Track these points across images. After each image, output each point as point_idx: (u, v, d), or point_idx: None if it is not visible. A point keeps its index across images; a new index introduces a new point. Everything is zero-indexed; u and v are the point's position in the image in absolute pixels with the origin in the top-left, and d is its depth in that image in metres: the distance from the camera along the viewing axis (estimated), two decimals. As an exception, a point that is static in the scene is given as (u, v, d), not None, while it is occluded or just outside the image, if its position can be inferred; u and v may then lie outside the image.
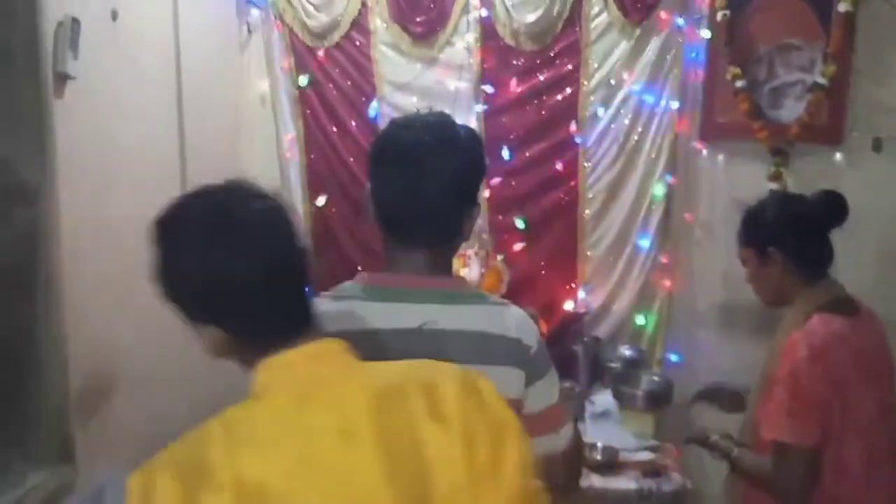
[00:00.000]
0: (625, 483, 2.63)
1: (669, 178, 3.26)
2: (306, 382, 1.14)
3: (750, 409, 2.04)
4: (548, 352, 1.51)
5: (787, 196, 2.05)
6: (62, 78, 2.22)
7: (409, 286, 1.45)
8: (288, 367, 1.16)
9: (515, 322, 1.47)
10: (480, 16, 3.30)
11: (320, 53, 3.43)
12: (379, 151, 1.47)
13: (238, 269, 1.12)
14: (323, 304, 1.48)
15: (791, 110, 3.14)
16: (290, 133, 3.51)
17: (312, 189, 3.54)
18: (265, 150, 3.54)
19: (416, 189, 1.41)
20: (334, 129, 3.47)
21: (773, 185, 3.06)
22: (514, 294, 3.21)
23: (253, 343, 1.18)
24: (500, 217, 3.41)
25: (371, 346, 1.38)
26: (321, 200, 3.52)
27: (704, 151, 3.27)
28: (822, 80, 3.03)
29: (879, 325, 1.99)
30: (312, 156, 3.52)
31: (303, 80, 3.46)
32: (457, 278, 1.58)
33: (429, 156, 1.41)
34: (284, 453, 1.06)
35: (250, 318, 1.17)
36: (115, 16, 2.48)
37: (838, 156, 3.12)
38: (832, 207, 1.96)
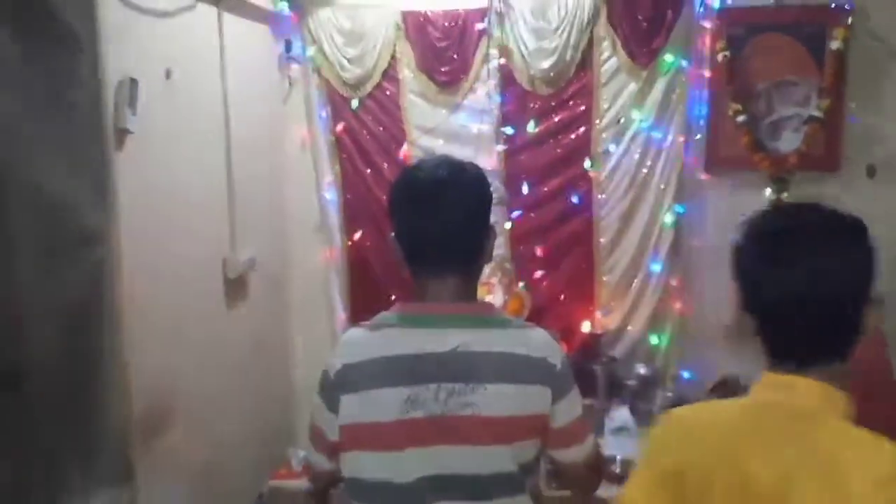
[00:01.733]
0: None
1: (678, 208, 3.26)
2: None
3: None
4: (570, 369, 1.53)
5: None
6: (122, 132, 2.28)
7: (441, 312, 1.48)
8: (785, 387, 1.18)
9: (541, 342, 1.50)
10: (500, 64, 3.33)
11: (354, 102, 3.47)
12: (398, 194, 1.53)
13: None
14: (361, 333, 1.52)
15: (789, 141, 3.13)
16: (329, 176, 3.55)
17: (349, 225, 3.56)
18: (306, 192, 3.58)
19: (436, 220, 1.46)
20: (368, 171, 3.50)
21: (775, 212, 3.03)
22: (536, 318, 3.21)
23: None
24: (522, 247, 3.42)
25: (409, 369, 1.43)
26: (357, 235, 3.54)
27: (710, 182, 3.27)
28: (817, 113, 3.04)
29: (882, 336, 1.93)
30: (349, 195, 3.55)
31: (338, 127, 3.50)
32: (484, 304, 1.63)
33: (443, 189, 1.46)
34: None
35: None
36: (168, 74, 2.55)
37: (835, 182, 3.10)
38: None
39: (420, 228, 1.47)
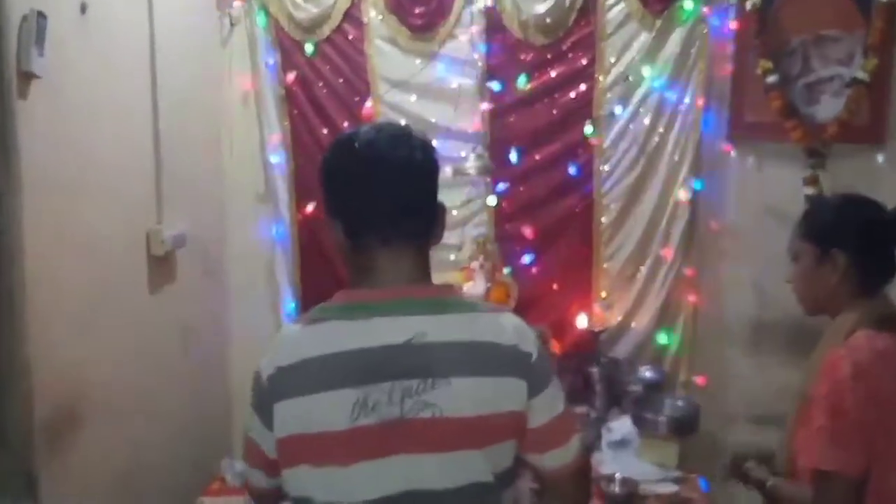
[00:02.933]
0: (646, 518, 2.64)
1: (695, 184, 3.27)
2: None
3: (786, 434, 2.03)
4: (549, 358, 1.56)
5: (864, 200, 2.03)
6: (27, 77, 2.23)
7: (392, 298, 1.49)
8: None
9: (512, 329, 1.51)
10: (485, 6, 3.32)
11: (309, 47, 3.44)
12: (334, 165, 1.54)
13: None
14: (297, 330, 1.54)
15: (828, 108, 3.16)
16: (276, 135, 3.52)
17: (300, 196, 3.55)
18: (248, 154, 3.56)
19: (384, 190, 1.48)
20: (325, 131, 3.48)
21: (809, 190, 3.07)
22: (523, 310, 3.18)
23: None
24: (508, 226, 3.43)
25: (356, 367, 1.43)
26: (309, 208, 3.53)
27: (732, 153, 3.29)
28: (862, 75, 3.05)
29: None
30: (300, 160, 3.54)
31: (290, 78, 3.48)
32: (443, 286, 1.63)
33: (390, 155, 1.48)
34: None
35: None
36: (83, 8, 2.50)
37: (880, 157, 3.14)
38: None
39: (365, 201, 1.48)
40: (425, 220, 1.53)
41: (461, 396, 1.42)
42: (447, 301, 1.53)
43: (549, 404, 1.52)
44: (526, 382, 1.47)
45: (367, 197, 1.48)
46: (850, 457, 1.77)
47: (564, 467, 1.56)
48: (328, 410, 1.42)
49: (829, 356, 1.84)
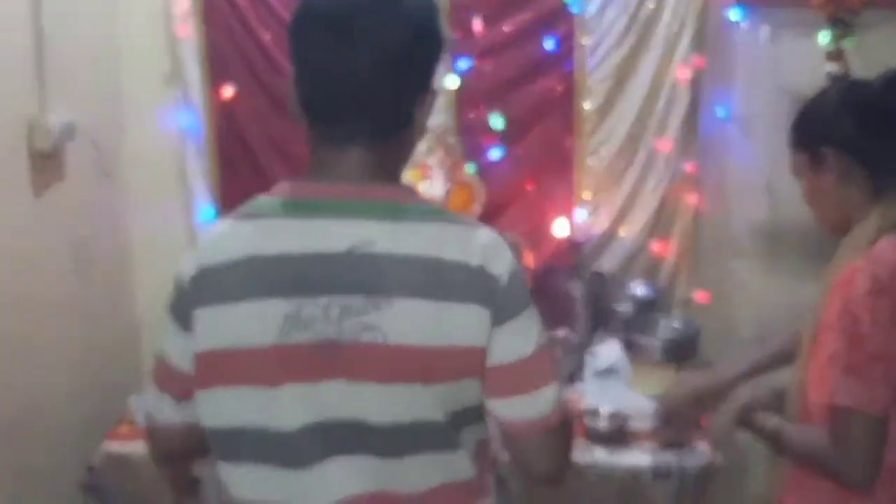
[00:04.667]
0: (637, 458, 2.72)
1: (696, 60, 3.31)
2: None
3: (797, 367, 1.98)
4: (525, 285, 1.52)
5: (859, 82, 1.99)
6: None
7: (338, 197, 1.48)
8: None
9: (481, 245, 1.48)
10: None
11: None
12: (298, 20, 1.50)
13: None
14: (227, 226, 1.53)
15: (856, -35, 3.18)
16: (184, 1, 3.47)
17: (215, 76, 3.53)
18: (150, 25, 3.51)
19: (346, 60, 1.44)
20: (244, -6, 3.45)
21: (832, 66, 3.11)
22: (491, 216, 3.27)
23: None
24: (471, 114, 3.45)
25: (289, 275, 1.43)
26: (227, 91, 3.52)
27: (742, 23, 3.32)
28: (898, -78, 3.08)
29: None
30: (213, 32, 3.50)
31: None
32: (403, 187, 1.58)
33: (361, 15, 1.44)
34: None
35: None
36: None
37: (918, 26, 3.18)
38: None
39: (323, 70, 1.46)
40: (394, 109, 1.49)
41: (409, 322, 1.41)
42: (405, 206, 1.50)
43: (516, 340, 1.49)
44: (489, 311, 1.45)
45: (319, 66, 1.46)
46: (871, 390, 1.74)
47: (530, 423, 1.53)
48: (255, 322, 1.43)
49: (846, 270, 1.82)
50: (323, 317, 1.42)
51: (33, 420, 2.88)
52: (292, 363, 1.42)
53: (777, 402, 2.06)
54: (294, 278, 1.43)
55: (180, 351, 1.52)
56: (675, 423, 2.54)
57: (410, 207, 1.51)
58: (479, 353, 1.45)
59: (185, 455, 1.72)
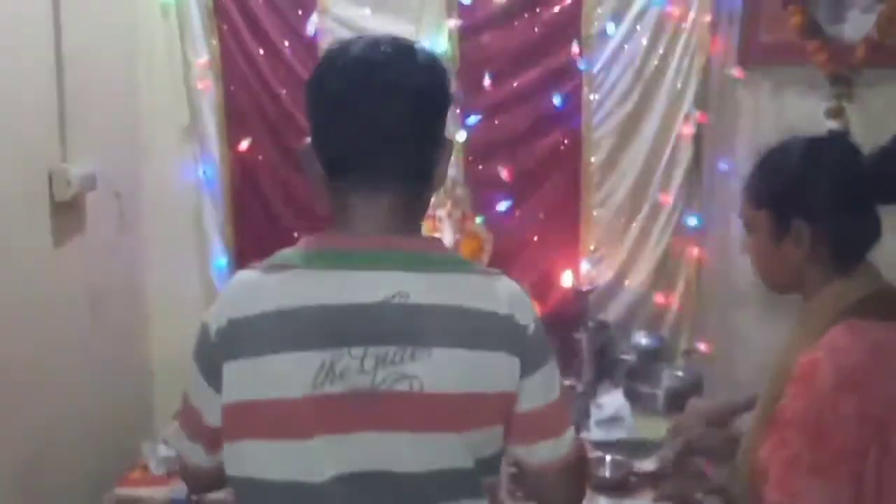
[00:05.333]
0: (640, 507, 2.71)
1: (699, 116, 3.33)
2: None
3: (746, 443, 1.86)
4: (546, 334, 1.55)
5: (833, 144, 1.84)
6: None
7: (369, 248, 1.49)
8: None
9: (508, 295, 1.51)
10: None
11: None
12: (317, 82, 1.53)
13: None
14: (255, 277, 1.53)
15: (857, 25, 3.19)
16: (203, 57, 3.52)
17: (232, 130, 3.56)
18: (170, 80, 3.55)
19: (368, 118, 1.47)
20: (261, 52, 3.49)
21: (833, 123, 3.12)
22: (498, 266, 3.23)
23: None
24: (481, 167, 3.47)
25: (323, 326, 1.43)
26: (244, 144, 3.55)
27: (744, 80, 3.34)
28: (897, -14, 3.09)
29: None
30: (232, 87, 3.54)
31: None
32: (431, 238, 1.65)
33: (381, 77, 1.47)
34: None
35: None
36: None
37: (916, 85, 3.18)
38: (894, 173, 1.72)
39: (345, 129, 1.48)
40: (417, 157, 1.51)
41: (444, 370, 1.42)
42: (434, 257, 1.53)
43: (544, 387, 1.53)
44: (519, 360, 1.48)
45: (344, 124, 1.48)
46: (838, 491, 1.60)
47: (555, 462, 1.58)
48: (288, 374, 1.42)
49: (804, 359, 1.67)
50: (358, 367, 1.42)
51: (46, 464, 2.87)
52: (326, 414, 1.42)
53: (727, 447, 1.96)
54: (327, 329, 1.43)
55: (208, 405, 1.53)
56: (680, 469, 2.46)
57: (440, 258, 1.54)
58: (510, 399, 1.48)
59: (212, 489, 1.76)
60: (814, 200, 1.75)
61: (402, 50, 1.52)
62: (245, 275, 1.55)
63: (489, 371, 1.46)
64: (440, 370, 1.42)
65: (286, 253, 1.54)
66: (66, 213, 2.99)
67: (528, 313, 1.52)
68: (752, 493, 1.75)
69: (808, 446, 1.62)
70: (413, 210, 1.55)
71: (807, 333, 1.74)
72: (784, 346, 1.81)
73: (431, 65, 1.54)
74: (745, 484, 1.80)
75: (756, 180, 1.87)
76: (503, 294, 1.51)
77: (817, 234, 1.75)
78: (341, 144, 1.50)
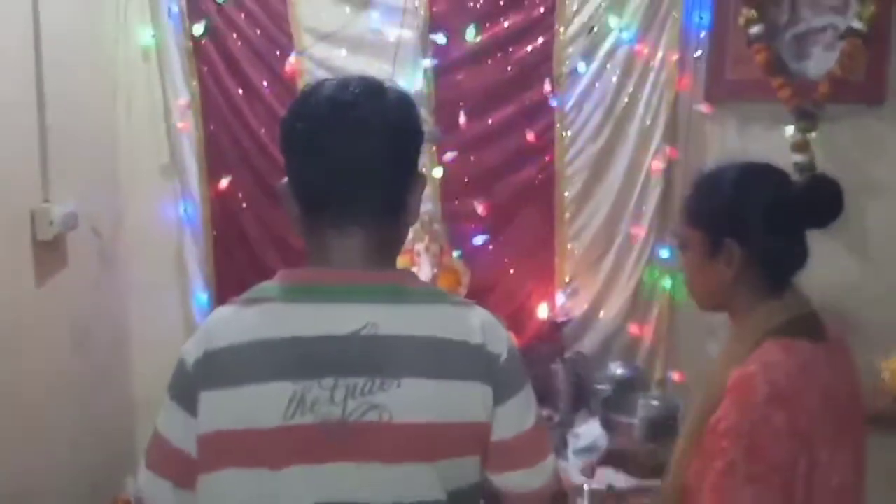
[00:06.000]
0: (619, 535, 2.70)
1: (669, 150, 3.36)
2: None
3: (674, 468, 1.83)
4: (521, 363, 1.55)
5: (762, 172, 1.85)
6: None
7: (342, 282, 1.49)
8: None
9: (480, 324, 1.51)
10: (427, -56, 3.37)
11: (221, -7, 3.46)
12: (291, 122, 1.54)
13: None
14: (231, 311, 1.53)
15: (820, 62, 3.25)
16: (183, 97, 3.53)
17: (212, 168, 3.57)
18: (150, 120, 3.56)
19: (341, 156, 1.48)
20: (240, 92, 3.51)
21: (798, 157, 3.16)
22: (476, 299, 3.24)
23: None
24: (457, 202, 3.49)
25: (295, 357, 1.43)
26: (224, 183, 3.55)
27: (712, 115, 3.38)
28: (858, 25, 3.15)
29: (851, 356, 1.86)
30: (212, 126, 3.56)
31: (198, 29, 3.48)
32: (403, 271, 1.64)
33: (353, 116, 1.48)
34: None
35: None
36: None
37: (878, 119, 3.24)
38: (824, 200, 1.77)
39: (319, 167, 1.50)
40: (389, 193, 1.52)
41: (414, 400, 1.42)
42: (406, 289, 1.53)
43: (518, 415, 1.51)
44: (492, 388, 1.47)
45: (316, 162, 1.49)
46: (770, 500, 1.63)
47: (532, 494, 1.56)
48: (260, 404, 1.42)
49: (738, 374, 1.68)
50: (328, 398, 1.41)
51: (30, 498, 2.84)
52: (298, 444, 1.41)
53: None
54: (299, 360, 1.43)
55: (182, 433, 1.50)
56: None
57: (411, 290, 1.54)
58: (483, 429, 1.47)
59: None
60: (745, 223, 1.78)
61: (372, 89, 1.53)
62: (223, 309, 1.56)
63: (460, 400, 1.46)
64: (410, 400, 1.42)
65: (263, 286, 1.54)
66: (49, 251, 2.98)
67: (501, 342, 1.52)
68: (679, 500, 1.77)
69: (742, 456, 1.62)
70: (386, 244, 1.55)
71: (737, 350, 1.76)
72: (716, 364, 1.82)
73: (400, 102, 1.55)
74: (673, 491, 1.80)
75: (692, 201, 1.90)
76: (475, 323, 1.51)
77: (747, 256, 1.78)
78: (314, 183, 1.51)
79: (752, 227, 1.77)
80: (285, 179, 1.54)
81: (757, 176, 1.84)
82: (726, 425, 1.65)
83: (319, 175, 1.50)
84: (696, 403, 1.82)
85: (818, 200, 1.77)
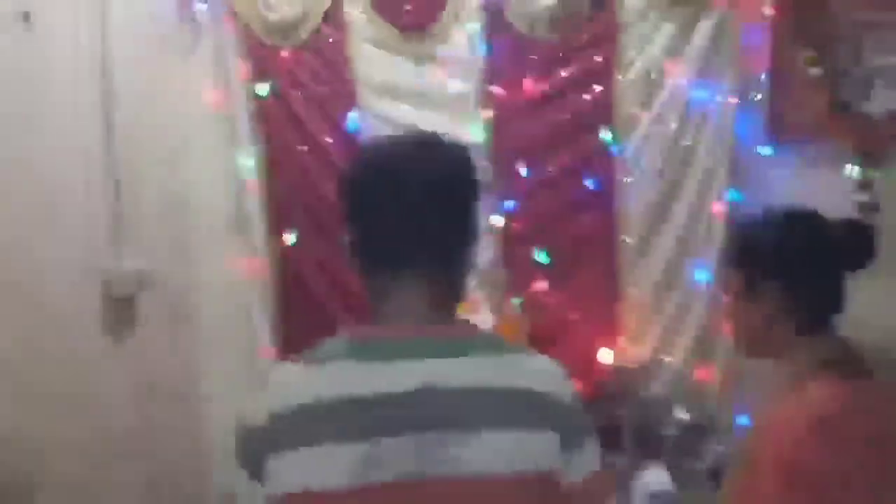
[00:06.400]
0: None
1: (731, 194, 3.32)
2: None
3: (726, 488, 1.89)
4: (584, 409, 1.54)
5: (805, 217, 1.91)
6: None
7: (405, 337, 1.49)
8: None
9: (545, 372, 1.52)
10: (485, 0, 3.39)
11: (284, 54, 3.51)
12: (352, 179, 1.55)
13: None
14: (295, 371, 1.52)
15: (883, 102, 3.18)
16: (250, 156, 3.58)
17: (279, 223, 3.61)
18: (218, 177, 3.62)
19: (400, 212, 1.49)
20: (304, 148, 3.55)
21: (862, 197, 3.10)
22: (537, 347, 3.22)
23: None
24: (517, 250, 3.47)
25: (362, 417, 1.42)
26: (290, 238, 3.58)
27: (774, 158, 3.32)
28: (921, 63, 3.09)
29: None
30: (278, 182, 3.60)
31: (263, 90, 3.54)
32: (465, 323, 1.61)
33: (412, 172, 1.49)
34: None
35: None
36: (27, 17, 2.55)
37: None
38: (857, 244, 1.86)
39: (372, 224, 1.51)
40: (446, 248, 1.53)
41: (489, 451, 1.41)
42: (469, 342, 1.53)
43: (585, 460, 1.51)
44: (559, 435, 1.46)
45: (375, 218, 1.50)
46: None
47: None
48: (332, 465, 1.41)
49: (779, 412, 1.75)
50: (402, 455, 1.40)
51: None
52: (371, 503, 1.41)
53: None
54: (369, 419, 1.42)
55: (250, 499, 1.49)
56: None
57: (473, 342, 1.53)
58: (554, 475, 1.45)
59: None
60: (781, 264, 1.85)
61: (426, 142, 1.55)
62: (285, 368, 1.56)
63: (533, 449, 1.44)
64: (485, 451, 1.41)
65: (327, 346, 1.53)
66: (119, 311, 3.03)
67: (565, 388, 1.52)
68: None
69: (781, 492, 1.65)
70: (445, 297, 1.55)
71: (777, 391, 1.82)
72: (761, 406, 1.89)
73: (456, 155, 1.57)
74: None
75: (735, 244, 2.03)
76: (540, 371, 1.51)
77: (783, 297, 1.83)
78: (372, 238, 1.52)
79: (789, 269, 1.84)
80: (346, 235, 1.56)
81: (795, 221, 1.91)
82: (765, 462, 1.68)
83: (377, 230, 1.51)
84: (745, 442, 1.86)
85: (854, 245, 1.85)
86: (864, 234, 1.87)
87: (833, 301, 1.87)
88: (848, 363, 1.81)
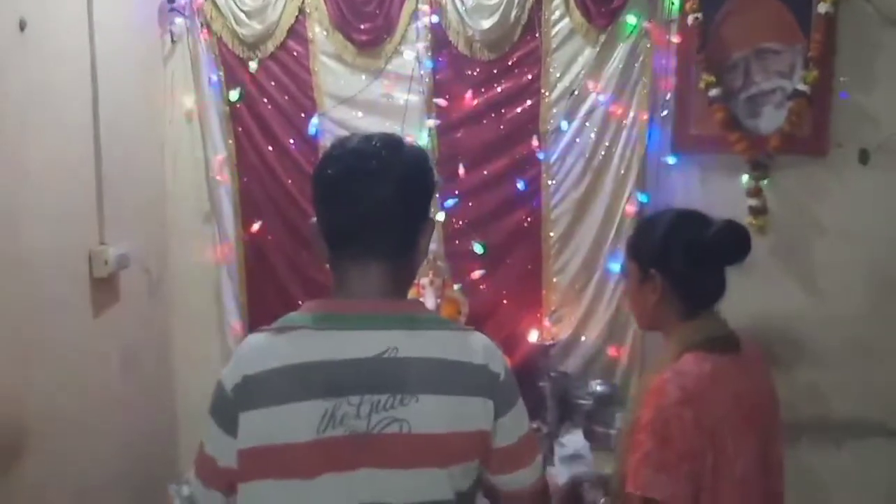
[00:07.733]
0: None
1: (641, 196, 3.34)
2: None
3: (616, 458, 1.98)
4: (515, 379, 1.58)
5: (687, 217, 1.96)
6: (-37, 94, 2.22)
7: (364, 311, 1.52)
8: None
9: (481, 348, 1.54)
10: (431, 22, 3.38)
11: (253, 65, 3.46)
12: (320, 171, 1.56)
13: None
14: (265, 339, 1.53)
15: (770, 120, 3.24)
16: (221, 154, 3.54)
17: (246, 214, 3.57)
18: (193, 173, 3.57)
19: (362, 201, 1.50)
20: (270, 149, 3.51)
21: (753, 201, 3.15)
22: (474, 326, 3.22)
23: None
24: (457, 242, 3.47)
25: (325, 378, 1.45)
26: (255, 227, 3.55)
27: (677, 166, 3.36)
28: (802, 87, 3.14)
29: (764, 367, 1.97)
30: (245, 178, 3.56)
31: (233, 95, 3.49)
32: (415, 302, 1.69)
33: (374, 166, 1.51)
34: None
35: None
36: (23, 25, 2.49)
37: (822, 168, 3.22)
38: (730, 242, 1.89)
39: (345, 210, 1.51)
40: (404, 233, 1.55)
41: (430, 413, 1.45)
42: (419, 317, 1.56)
43: (516, 424, 1.56)
44: (493, 402, 1.50)
45: (342, 205, 1.51)
46: (677, 486, 1.71)
47: (528, 487, 1.61)
48: (295, 421, 1.43)
49: (656, 380, 1.79)
50: (355, 413, 1.43)
51: (87, 495, 2.83)
52: (329, 455, 1.43)
53: (602, 483, 2.20)
54: (329, 381, 1.45)
55: (225, 451, 1.51)
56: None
57: (422, 318, 1.57)
58: (486, 436, 1.50)
59: None
60: (667, 257, 1.90)
61: (392, 143, 1.56)
62: (256, 337, 1.57)
63: (468, 413, 1.48)
64: (425, 413, 1.45)
65: (292, 316, 1.55)
66: (104, 288, 2.99)
67: (499, 363, 1.55)
68: (621, 493, 1.81)
69: (655, 447, 1.72)
70: (401, 278, 1.58)
71: (661, 362, 1.88)
72: (644, 374, 1.99)
73: (417, 155, 1.59)
74: (618, 486, 1.85)
75: (632, 238, 2.07)
76: (477, 347, 1.54)
77: (669, 284, 1.90)
78: (339, 223, 1.53)
79: (672, 260, 1.89)
80: (314, 219, 1.56)
81: (681, 220, 1.97)
82: (644, 422, 1.76)
83: (345, 217, 1.52)
84: (630, 406, 1.99)
85: (727, 242, 1.88)
86: (739, 233, 1.90)
87: (712, 289, 1.92)
88: (718, 340, 1.87)
